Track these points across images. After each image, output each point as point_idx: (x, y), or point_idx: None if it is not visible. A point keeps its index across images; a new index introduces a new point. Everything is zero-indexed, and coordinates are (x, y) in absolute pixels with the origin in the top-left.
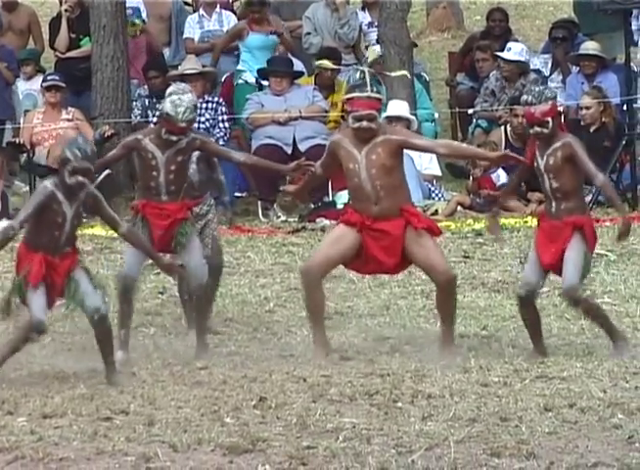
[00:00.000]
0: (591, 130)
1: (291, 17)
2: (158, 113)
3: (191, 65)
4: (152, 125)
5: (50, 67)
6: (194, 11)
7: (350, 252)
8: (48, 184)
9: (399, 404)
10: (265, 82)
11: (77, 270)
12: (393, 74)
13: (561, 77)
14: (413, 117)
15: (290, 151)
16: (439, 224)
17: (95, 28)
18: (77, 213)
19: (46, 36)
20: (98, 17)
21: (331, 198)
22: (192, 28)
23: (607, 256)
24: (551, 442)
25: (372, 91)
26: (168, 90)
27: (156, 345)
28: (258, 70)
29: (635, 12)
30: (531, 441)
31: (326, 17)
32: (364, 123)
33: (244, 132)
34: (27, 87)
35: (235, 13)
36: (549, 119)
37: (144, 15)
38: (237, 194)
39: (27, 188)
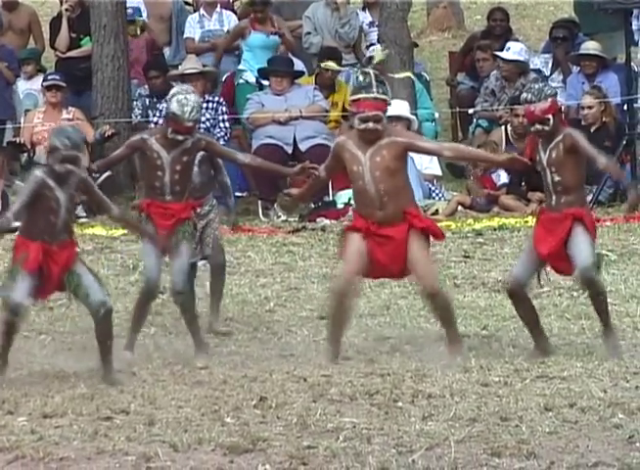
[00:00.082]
0: (592, 130)
1: (291, 16)
2: (164, 112)
3: (191, 64)
4: (152, 125)
5: (50, 66)
6: (194, 10)
7: (367, 260)
8: (38, 172)
9: (400, 404)
10: (266, 82)
11: (78, 264)
12: (397, 76)
13: (561, 77)
14: (413, 117)
15: (290, 151)
16: (440, 224)
17: (95, 28)
18: (71, 197)
19: (46, 36)
20: (98, 16)
21: (331, 197)
22: (192, 28)
23: (607, 255)
24: (551, 441)
25: (378, 92)
26: (172, 91)
27: (156, 344)
28: (259, 70)
29: (635, 11)
30: (532, 440)
31: (326, 16)
32: (370, 125)
33: (244, 132)
34: (28, 87)
35: (235, 12)
36: (549, 117)
37: (144, 15)
38: (237, 193)
39: None
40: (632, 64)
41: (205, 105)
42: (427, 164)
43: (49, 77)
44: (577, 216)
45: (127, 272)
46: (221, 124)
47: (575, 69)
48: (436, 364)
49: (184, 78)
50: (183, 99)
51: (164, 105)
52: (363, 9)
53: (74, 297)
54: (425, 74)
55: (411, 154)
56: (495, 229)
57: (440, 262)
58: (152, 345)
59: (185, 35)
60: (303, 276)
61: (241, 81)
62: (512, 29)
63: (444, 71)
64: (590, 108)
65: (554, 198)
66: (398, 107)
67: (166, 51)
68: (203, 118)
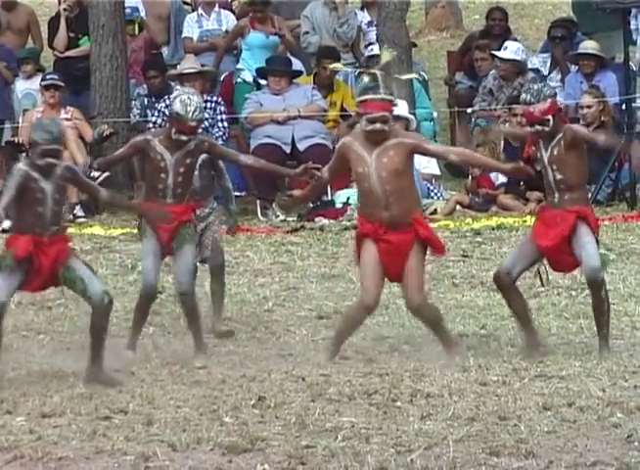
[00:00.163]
0: (590, 129)
1: (289, 16)
2: (167, 113)
3: (190, 64)
4: (150, 125)
5: (49, 66)
6: (192, 10)
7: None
8: (21, 165)
9: (398, 404)
10: (264, 81)
11: (73, 259)
12: (403, 77)
13: (560, 77)
14: (412, 117)
15: (289, 150)
16: (438, 223)
17: (94, 28)
18: (58, 187)
19: (45, 35)
20: (97, 16)
21: (330, 197)
22: (191, 28)
23: (608, 255)
24: (550, 440)
25: (385, 93)
26: (175, 92)
27: (154, 344)
28: (257, 70)
29: (634, 11)
30: (530, 440)
31: (324, 16)
32: (378, 126)
33: (242, 132)
34: (26, 86)
35: (234, 12)
36: (549, 118)
37: (142, 14)
38: (236, 193)
39: None
40: (630, 63)
41: (203, 105)
42: (425, 164)
43: (47, 77)
44: (582, 215)
45: (126, 272)
46: (219, 124)
47: (574, 68)
48: (435, 364)
49: (182, 78)
50: (186, 99)
51: (163, 104)
52: (361, 8)
53: (73, 291)
54: (423, 74)
55: None
56: (494, 228)
57: (439, 262)
58: (150, 344)
59: (183, 35)
60: (302, 276)
61: (239, 81)
62: (510, 29)
63: (443, 71)
64: (589, 107)
65: (557, 195)
66: (397, 106)
67: (165, 51)
68: None
